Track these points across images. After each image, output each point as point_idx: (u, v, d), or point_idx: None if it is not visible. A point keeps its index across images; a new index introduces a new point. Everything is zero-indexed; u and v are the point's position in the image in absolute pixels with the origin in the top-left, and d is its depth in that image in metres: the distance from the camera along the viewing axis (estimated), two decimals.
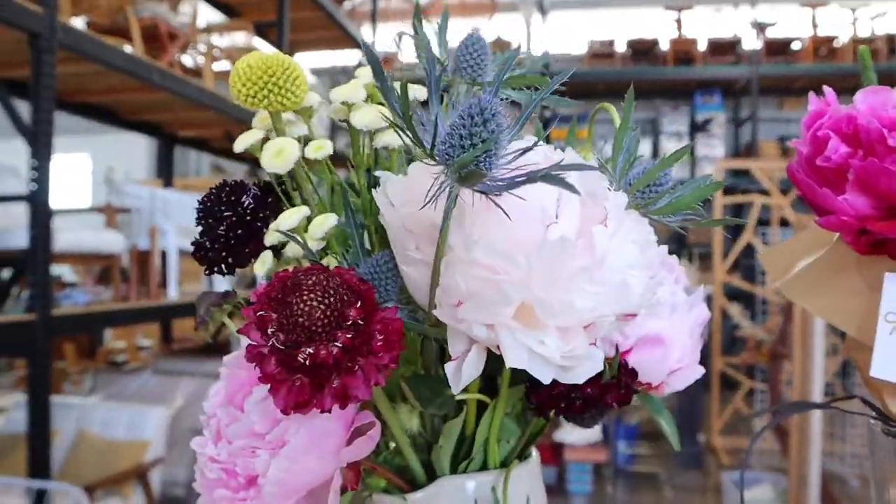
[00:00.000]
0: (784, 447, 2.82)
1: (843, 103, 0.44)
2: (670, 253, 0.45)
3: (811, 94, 0.46)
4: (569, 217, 0.34)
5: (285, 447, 0.33)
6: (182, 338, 4.43)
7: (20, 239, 2.53)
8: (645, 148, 6.17)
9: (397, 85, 0.33)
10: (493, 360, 0.39)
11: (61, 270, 4.47)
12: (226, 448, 0.35)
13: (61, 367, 4.01)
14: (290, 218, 0.37)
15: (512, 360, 0.32)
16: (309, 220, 0.39)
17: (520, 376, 0.41)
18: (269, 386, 0.31)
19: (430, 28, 0.41)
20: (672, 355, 0.41)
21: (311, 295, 0.30)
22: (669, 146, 6.04)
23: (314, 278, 0.31)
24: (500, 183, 0.31)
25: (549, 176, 0.30)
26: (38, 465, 2.37)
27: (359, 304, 0.31)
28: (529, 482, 0.43)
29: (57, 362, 3.92)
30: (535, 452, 0.46)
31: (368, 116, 0.40)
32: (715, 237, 4.05)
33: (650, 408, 0.44)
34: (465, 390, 0.40)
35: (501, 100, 0.37)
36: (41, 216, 2.38)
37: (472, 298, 0.32)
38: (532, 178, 0.30)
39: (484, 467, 0.43)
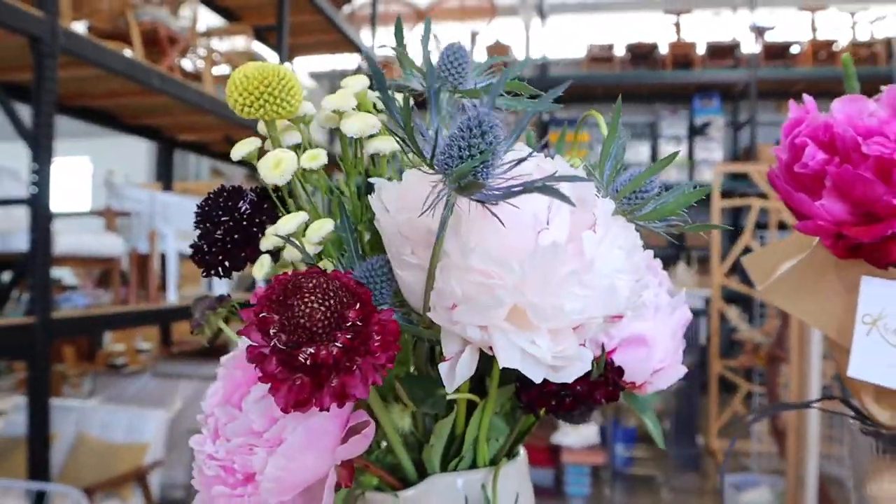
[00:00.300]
0: (782, 449, 2.83)
1: None
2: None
3: (791, 102, 0.47)
4: (559, 224, 0.35)
5: (283, 445, 0.34)
6: (181, 341, 4.44)
7: (20, 242, 2.54)
8: (644, 151, 6.19)
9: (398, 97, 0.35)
10: (483, 361, 0.41)
11: (61, 273, 4.49)
12: (224, 446, 0.36)
13: (61, 370, 4.02)
14: (288, 223, 0.39)
15: (505, 361, 0.33)
16: (306, 225, 0.40)
17: (509, 376, 0.42)
18: (267, 385, 0.32)
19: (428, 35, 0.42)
20: (655, 355, 0.42)
21: (312, 297, 0.32)
22: (668, 149, 6.05)
23: (314, 281, 0.32)
24: (497, 192, 0.32)
25: (545, 187, 0.32)
26: (38, 467, 2.38)
27: (357, 306, 0.32)
28: (518, 479, 0.45)
29: (56, 365, 3.93)
30: (522, 451, 0.47)
31: (358, 124, 0.42)
32: (713, 240, 4.06)
33: (635, 407, 0.45)
34: (457, 390, 0.42)
35: (497, 109, 0.38)
36: (41, 219, 2.39)
37: (467, 302, 0.33)
38: (528, 188, 0.32)
39: (473, 465, 0.44)
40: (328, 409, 0.32)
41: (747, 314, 4.22)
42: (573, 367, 0.34)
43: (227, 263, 0.41)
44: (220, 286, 3.81)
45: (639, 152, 6.12)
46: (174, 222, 3.59)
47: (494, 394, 0.42)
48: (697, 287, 4.22)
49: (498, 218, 0.32)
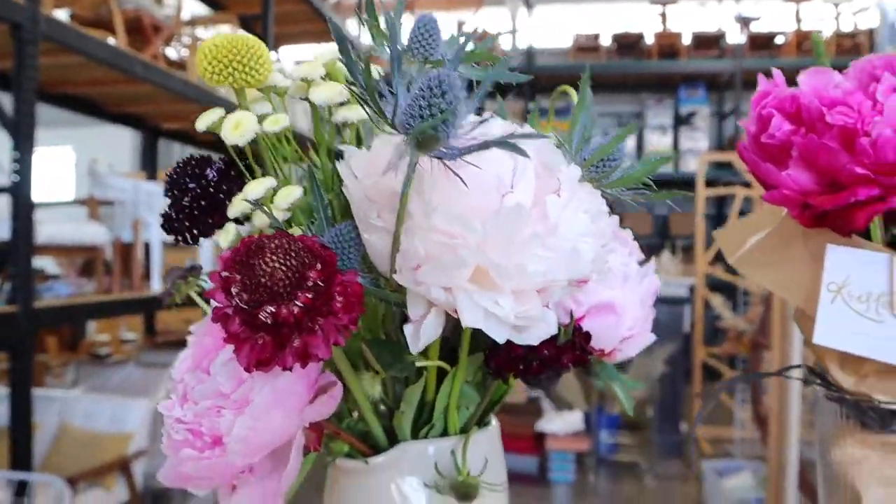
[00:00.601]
0: (764, 436, 2.86)
1: None
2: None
3: (760, 76, 0.48)
4: (524, 187, 0.36)
5: (250, 406, 0.34)
6: (165, 330, 4.43)
7: (2, 231, 2.52)
8: (629, 141, 6.21)
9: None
10: (454, 329, 0.41)
11: (45, 263, 4.46)
12: (192, 409, 0.37)
13: (43, 360, 4.00)
14: (256, 188, 0.39)
15: (468, 321, 0.33)
16: (274, 192, 0.40)
17: (479, 344, 0.43)
18: (233, 346, 0.32)
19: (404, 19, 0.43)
20: (624, 323, 0.43)
21: (274, 257, 0.32)
22: (654, 139, 6.08)
23: (277, 242, 0.32)
24: (456, 150, 0.32)
25: (503, 142, 0.32)
26: (20, 457, 2.37)
27: (319, 267, 0.32)
28: (489, 448, 0.45)
29: (39, 355, 3.91)
30: (494, 421, 0.48)
31: (326, 92, 0.42)
32: (697, 228, 4.08)
33: (604, 375, 0.45)
34: (426, 357, 0.42)
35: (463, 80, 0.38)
36: (23, 208, 2.37)
37: (431, 262, 0.33)
38: (487, 144, 0.32)
39: (445, 434, 0.44)
40: (291, 369, 0.32)
41: (731, 302, 4.25)
42: (538, 328, 0.34)
43: (194, 230, 0.41)
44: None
45: (624, 141, 6.14)
46: (158, 211, 3.56)
47: (464, 361, 0.43)
48: (682, 275, 4.25)
49: (459, 178, 0.32)
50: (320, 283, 0.32)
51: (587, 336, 0.41)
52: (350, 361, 0.43)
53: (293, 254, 0.32)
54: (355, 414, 0.45)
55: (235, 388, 0.35)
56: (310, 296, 0.31)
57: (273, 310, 0.31)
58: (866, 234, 0.45)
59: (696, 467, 3.49)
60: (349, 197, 0.38)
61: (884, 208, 0.41)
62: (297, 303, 0.31)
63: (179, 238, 0.41)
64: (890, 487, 0.43)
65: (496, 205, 0.34)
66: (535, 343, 0.35)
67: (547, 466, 3.33)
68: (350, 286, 0.33)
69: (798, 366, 0.50)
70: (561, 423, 3.32)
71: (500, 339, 0.34)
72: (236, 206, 0.40)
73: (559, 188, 0.36)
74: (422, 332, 0.35)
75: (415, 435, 0.44)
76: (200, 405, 0.36)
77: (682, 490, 3.33)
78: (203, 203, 0.41)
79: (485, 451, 0.44)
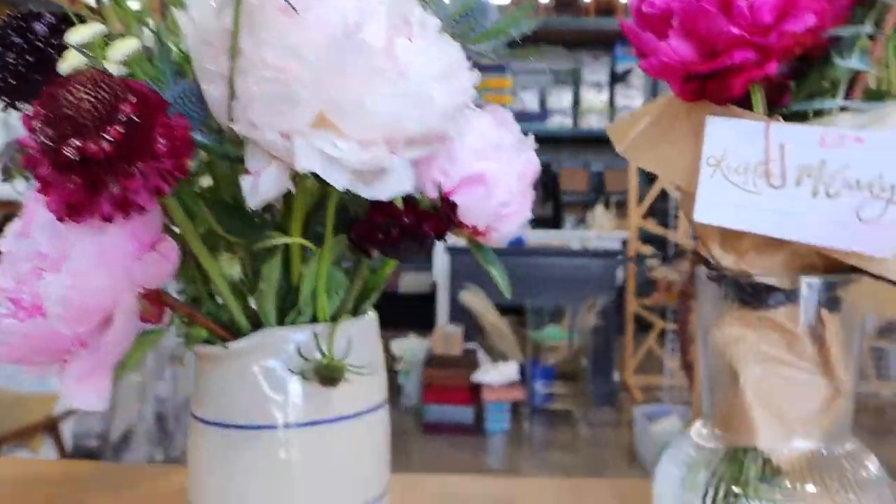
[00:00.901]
0: (691, 382, 2.93)
1: None
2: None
3: None
4: (373, 30, 0.33)
5: (67, 261, 0.31)
6: None
7: None
8: (566, 98, 6.21)
9: None
10: (317, 206, 0.39)
11: None
12: (13, 276, 0.33)
13: None
14: (81, 32, 0.35)
15: (303, 164, 0.31)
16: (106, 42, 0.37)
17: (345, 222, 0.40)
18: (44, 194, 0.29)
19: None
20: (495, 195, 0.40)
21: (80, 87, 0.29)
22: (589, 96, 6.09)
23: (87, 75, 0.29)
24: None
25: None
26: None
27: (134, 101, 0.29)
28: (361, 335, 0.43)
29: None
30: (372, 313, 0.46)
31: None
32: (630, 184, 4.12)
33: (481, 258, 0.43)
34: (285, 234, 0.39)
35: None
36: None
37: (264, 100, 0.31)
38: None
39: (314, 322, 0.42)
40: (111, 219, 0.29)
41: (662, 254, 4.31)
42: (387, 179, 0.32)
43: (21, 91, 0.37)
44: None
45: (561, 99, 6.14)
46: None
47: (330, 242, 0.40)
48: (616, 230, 4.29)
49: (291, 5, 0.29)
50: (135, 118, 0.29)
51: (452, 205, 0.39)
52: (207, 243, 0.40)
53: (104, 86, 0.29)
54: (219, 299, 0.42)
55: (56, 247, 0.32)
56: (121, 130, 0.28)
57: (79, 144, 0.28)
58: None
59: (627, 414, 3.57)
60: (189, 48, 0.35)
61: (761, 74, 0.40)
62: (106, 137, 0.28)
63: (5, 101, 0.37)
64: (766, 364, 0.43)
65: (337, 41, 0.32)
66: (386, 197, 0.33)
67: (483, 416, 3.36)
68: (176, 129, 0.30)
69: (685, 252, 0.49)
70: (496, 375, 3.34)
71: (340, 186, 0.31)
72: (68, 60, 0.36)
73: (412, 35, 0.34)
74: (260, 185, 0.32)
75: (281, 322, 0.42)
76: (20, 269, 0.33)
77: (614, 436, 3.40)
78: (30, 59, 0.37)
79: (354, 338, 0.42)
